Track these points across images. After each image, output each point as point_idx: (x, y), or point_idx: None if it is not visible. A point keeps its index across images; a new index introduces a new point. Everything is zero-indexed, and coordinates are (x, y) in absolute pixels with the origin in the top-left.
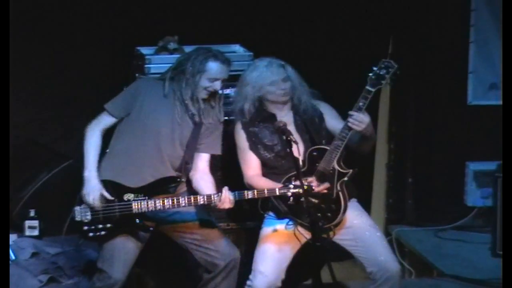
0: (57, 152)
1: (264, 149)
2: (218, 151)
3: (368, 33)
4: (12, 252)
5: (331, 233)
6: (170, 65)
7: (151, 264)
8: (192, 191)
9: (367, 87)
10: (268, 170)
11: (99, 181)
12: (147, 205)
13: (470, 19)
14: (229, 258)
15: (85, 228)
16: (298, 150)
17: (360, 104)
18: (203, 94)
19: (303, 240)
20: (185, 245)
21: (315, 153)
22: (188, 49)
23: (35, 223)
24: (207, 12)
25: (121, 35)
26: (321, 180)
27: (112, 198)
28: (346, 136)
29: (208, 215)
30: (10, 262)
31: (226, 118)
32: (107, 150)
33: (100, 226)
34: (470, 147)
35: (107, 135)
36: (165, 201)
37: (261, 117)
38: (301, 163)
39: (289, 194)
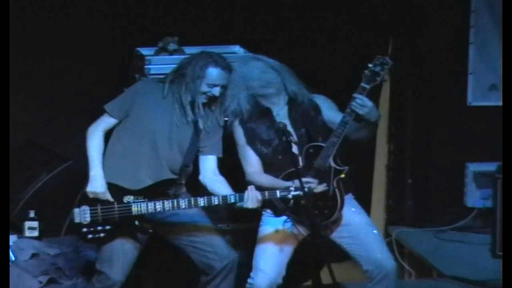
0: (56, 153)
1: (261, 144)
2: (219, 153)
3: (368, 34)
4: (12, 253)
5: (327, 230)
6: (171, 66)
7: (150, 265)
8: (192, 193)
9: (362, 84)
10: (265, 167)
11: (104, 182)
12: (147, 208)
13: (470, 20)
14: (226, 260)
15: (84, 230)
16: (297, 147)
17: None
18: (202, 99)
19: (301, 238)
20: (182, 247)
21: (311, 150)
22: (188, 50)
23: (35, 224)
24: (207, 13)
25: (121, 36)
26: (317, 177)
27: (112, 200)
28: (341, 133)
29: (206, 216)
30: (10, 263)
31: (226, 119)
32: (105, 152)
33: (99, 228)
34: (470, 148)
35: (106, 137)
36: (165, 203)
37: (256, 112)
38: (296, 150)
39: (290, 196)
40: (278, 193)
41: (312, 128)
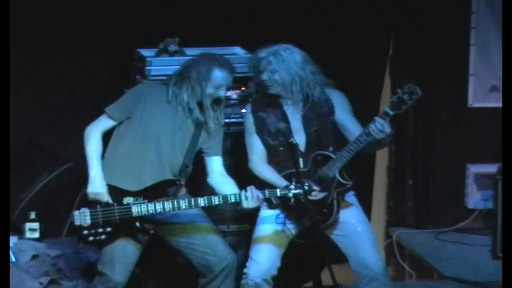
0: (57, 154)
1: (269, 135)
2: (221, 153)
3: (369, 35)
4: (13, 254)
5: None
6: (174, 69)
7: (150, 266)
8: (193, 194)
9: (386, 109)
10: (269, 157)
11: (104, 183)
12: (147, 209)
13: (470, 22)
14: (225, 262)
15: (85, 232)
16: (298, 149)
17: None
18: (208, 101)
19: (290, 237)
20: (181, 249)
21: (319, 158)
22: (189, 51)
23: (36, 225)
24: (207, 14)
25: (121, 37)
26: (319, 184)
27: (112, 202)
28: (354, 150)
29: (206, 218)
30: (10, 264)
31: (226, 120)
32: (105, 154)
33: (100, 230)
34: (471, 149)
35: (105, 138)
36: (165, 204)
37: (269, 101)
38: (303, 149)
39: (290, 195)
40: (278, 192)
41: (322, 129)
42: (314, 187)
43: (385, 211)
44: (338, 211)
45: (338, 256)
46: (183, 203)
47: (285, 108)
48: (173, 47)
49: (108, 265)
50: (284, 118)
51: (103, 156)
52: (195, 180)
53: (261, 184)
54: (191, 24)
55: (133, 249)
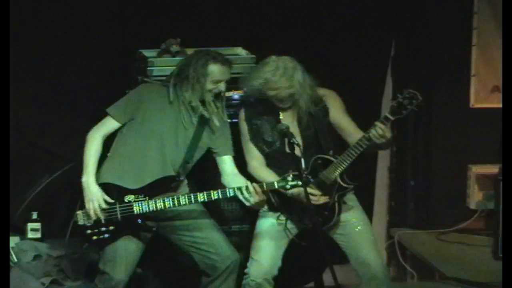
0: (59, 155)
1: (264, 143)
2: (231, 152)
3: (370, 36)
4: (14, 254)
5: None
6: (173, 68)
7: (152, 265)
8: (194, 190)
9: (387, 114)
10: (268, 162)
11: (98, 187)
12: (148, 206)
13: (472, 22)
14: (229, 261)
15: (88, 231)
16: (300, 149)
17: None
18: (209, 97)
19: (291, 237)
20: (185, 247)
21: (320, 161)
22: (190, 52)
23: (37, 225)
24: (209, 15)
25: (123, 38)
26: (320, 187)
27: (113, 201)
28: (355, 154)
29: (209, 217)
30: (12, 265)
31: (228, 121)
32: (109, 154)
33: (103, 229)
34: (472, 150)
35: (108, 139)
36: (166, 200)
37: (264, 109)
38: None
39: (288, 187)
40: (276, 184)
41: (319, 130)
42: (316, 192)
43: (387, 211)
44: (339, 214)
45: (339, 257)
46: (183, 199)
47: (280, 113)
48: (175, 48)
49: (110, 264)
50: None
51: (106, 156)
52: (196, 176)
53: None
54: (193, 25)
55: (135, 248)
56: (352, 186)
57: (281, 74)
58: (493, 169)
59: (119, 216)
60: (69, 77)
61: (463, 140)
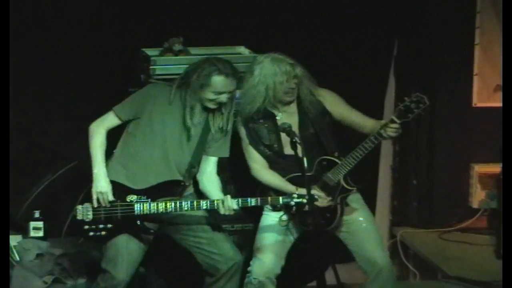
0: (61, 154)
1: (264, 146)
2: (226, 154)
3: (373, 36)
4: (17, 253)
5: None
6: (178, 68)
7: (154, 265)
8: (198, 194)
9: (393, 117)
10: (270, 164)
11: (108, 180)
12: (149, 208)
13: (475, 21)
14: (232, 262)
15: (86, 227)
16: (302, 149)
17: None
18: (210, 105)
19: (294, 237)
20: (188, 247)
21: (324, 163)
22: (193, 50)
23: (40, 224)
24: (212, 14)
25: (126, 37)
26: (323, 189)
27: (115, 199)
28: (360, 157)
29: (213, 217)
30: (14, 263)
31: (234, 120)
32: (114, 151)
33: (101, 226)
34: (475, 149)
35: (112, 135)
36: (168, 204)
37: (261, 114)
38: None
39: (292, 203)
40: (281, 200)
41: (319, 130)
42: (320, 194)
43: (389, 211)
44: (341, 216)
45: (342, 255)
46: (185, 205)
47: (277, 118)
48: (177, 47)
49: (111, 263)
50: (275, 129)
51: (112, 153)
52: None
53: (265, 189)
54: (195, 23)
55: (136, 248)
56: (355, 188)
57: (285, 64)
58: (496, 168)
59: (119, 215)
60: (72, 76)
61: (466, 139)
